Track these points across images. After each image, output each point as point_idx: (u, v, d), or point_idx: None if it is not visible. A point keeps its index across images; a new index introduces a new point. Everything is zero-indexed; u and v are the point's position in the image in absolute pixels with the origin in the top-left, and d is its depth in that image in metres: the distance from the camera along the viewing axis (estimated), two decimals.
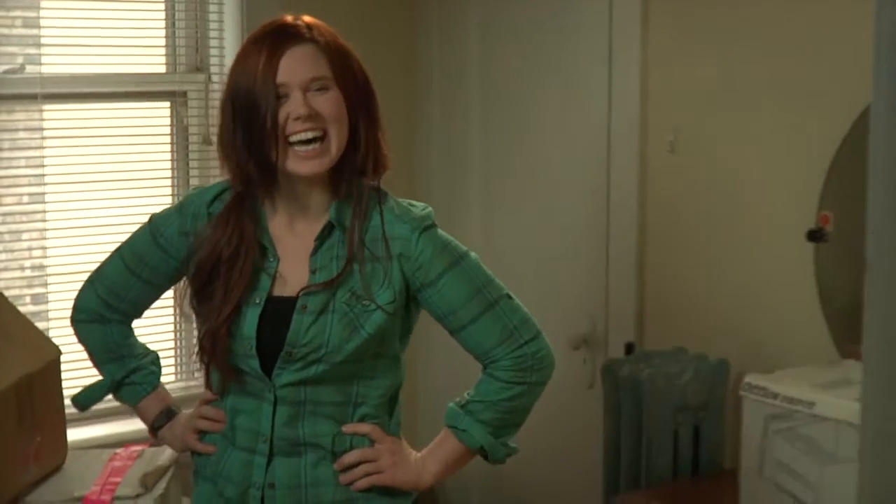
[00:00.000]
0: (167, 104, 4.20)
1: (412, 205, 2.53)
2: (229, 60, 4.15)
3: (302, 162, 2.40)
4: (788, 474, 3.18)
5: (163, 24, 4.23)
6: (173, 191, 4.25)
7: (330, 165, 2.43)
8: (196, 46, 4.23)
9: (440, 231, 2.52)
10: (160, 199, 4.14)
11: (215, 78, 4.23)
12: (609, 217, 4.09)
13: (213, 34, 4.25)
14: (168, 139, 4.24)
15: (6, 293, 3.14)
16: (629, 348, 4.01)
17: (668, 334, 3.91)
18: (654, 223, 3.99)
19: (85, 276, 4.06)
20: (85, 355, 3.97)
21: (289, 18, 2.45)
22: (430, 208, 2.54)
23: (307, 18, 2.47)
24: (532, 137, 4.38)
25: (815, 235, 3.51)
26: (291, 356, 2.43)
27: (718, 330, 3.80)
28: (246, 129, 2.39)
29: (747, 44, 3.70)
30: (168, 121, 4.22)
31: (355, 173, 2.47)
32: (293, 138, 2.39)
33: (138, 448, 2.93)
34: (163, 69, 4.24)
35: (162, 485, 2.73)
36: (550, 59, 4.28)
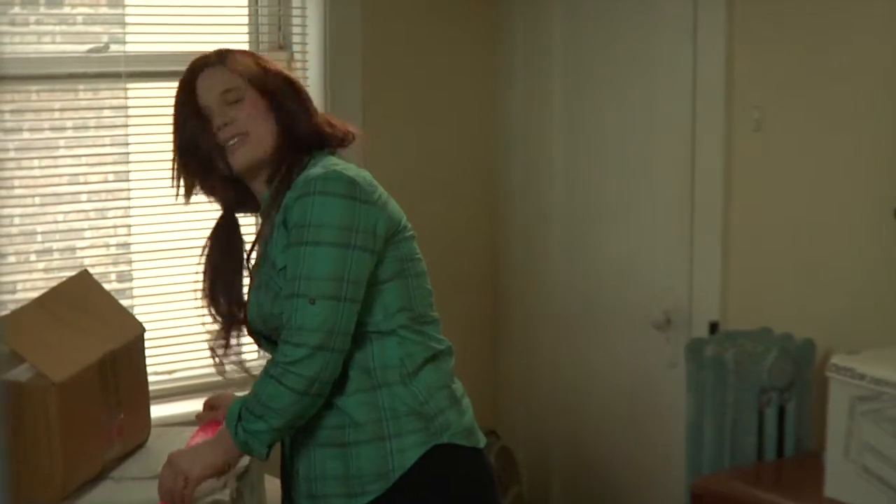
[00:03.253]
0: None
1: (326, 168, 2.56)
2: (312, 38, 4.21)
3: (232, 156, 2.66)
4: (875, 457, 3.14)
5: (245, 2, 4.25)
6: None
7: (256, 155, 2.65)
8: (279, 24, 4.24)
9: (320, 199, 2.51)
10: None
11: (297, 56, 4.24)
12: (694, 195, 4.05)
13: (295, 12, 4.26)
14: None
15: (92, 270, 3.17)
16: (713, 327, 3.97)
17: (753, 314, 3.87)
18: (739, 201, 3.94)
19: (168, 254, 4.12)
20: (164, 334, 4.05)
21: (204, 53, 2.76)
22: (336, 171, 2.55)
23: (220, 49, 2.75)
24: (616, 114, 4.35)
25: None
26: (256, 333, 2.71)
27: (804, 309, 3.75)
28: (198, 160, 2.72)
29: (833, 20, 3.65)
30: None
31: (296, 160, 2.65)
32: (225, 145, 2.66)
33: (221, 426, 2.94)
34: (246, 47, 4.24)
35: (244, 461, 2.73)
36: (635, 35, 4.25)
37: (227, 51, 2.74)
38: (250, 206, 2.78)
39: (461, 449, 2.59)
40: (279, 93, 2.68)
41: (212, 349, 2.82)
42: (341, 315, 2.47)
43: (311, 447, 2.61)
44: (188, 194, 2.78)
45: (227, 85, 2.66)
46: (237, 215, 2.81)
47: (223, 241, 2.79)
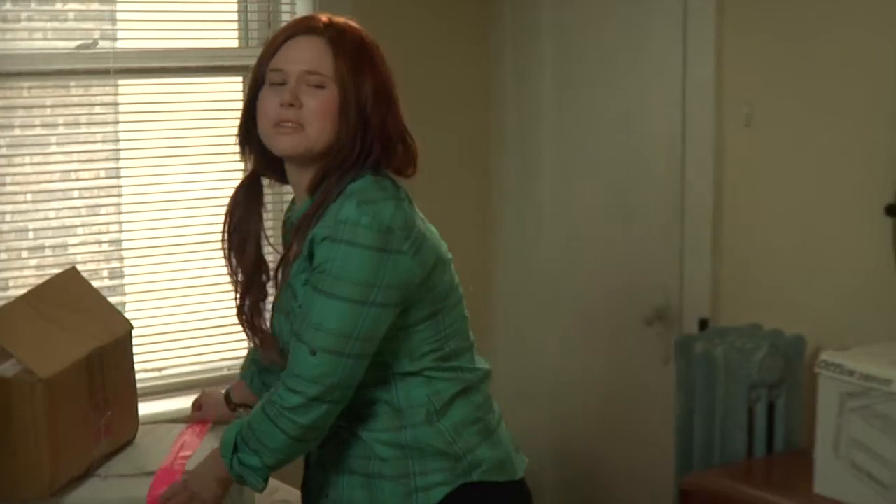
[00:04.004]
0: (239, 79, 4.20)
1: (361, 205, 2.39)
2: (301, 9, 4.17)
3: (279, 138, 2.47)
4: (865, 453, 3.14)
5: None
6: (245, 165, 4.26)
7: (306, 149, 2.46)
8: (268, 21, 4.23)
9: (348, 251, 2.35)
10: (232, 173, 4.14)
11: None
12: (684, 191, 4.06)
13: (284, 9, 4.25)
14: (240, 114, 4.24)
15: (84, 267, 3.18)
16: (703, 324, 3.97)
17: (743, 310, 3.87)
18: (730, 197, 3.95)
19: (159, 251, 4.12)
20: (155, 331, 4.04)
21: (316, 15, 2.54)
22: (369, 215, 2.37)
23: (336, 17, 2.52)
24: (606, 110, 4.35)
25: (894, 209, 3.45)
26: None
27: (794, 306, 3.76)
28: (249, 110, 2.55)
29: (823, 16, 3.65)
30: (240, 95, 4.23)
31: (343, 173, 2.46)
32: (277, 124, 2.47)
33: (209, 423, 2.94)
34: (235, 44, 4.25)
35: None
36: (625, 30, 4.25)
37: (337, 23, 2.50)
38: (278, 176, 2.62)
39: (493, 486, 2.52)
40: (364, 103, 2.46)
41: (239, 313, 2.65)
42: (342, 370, 2.37)
43: (340, 473, 2.55)
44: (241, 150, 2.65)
45: (313, 66, 2.45)
46: (264, 180, 2.66)
47: (244, 203, 2.63)
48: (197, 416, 2.97)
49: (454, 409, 2.50)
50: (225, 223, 2.63)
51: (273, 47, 2.50)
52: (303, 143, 2.45)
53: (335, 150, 2.46)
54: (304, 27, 2.49)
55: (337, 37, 2.47)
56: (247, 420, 2.47)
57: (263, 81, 2.51)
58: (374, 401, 2.49)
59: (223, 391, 2.98)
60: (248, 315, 2.62)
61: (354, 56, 2.47)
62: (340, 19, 2.52)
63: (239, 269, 2.62)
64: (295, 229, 2.49)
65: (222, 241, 2.63)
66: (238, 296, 2.63)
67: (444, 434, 2.48)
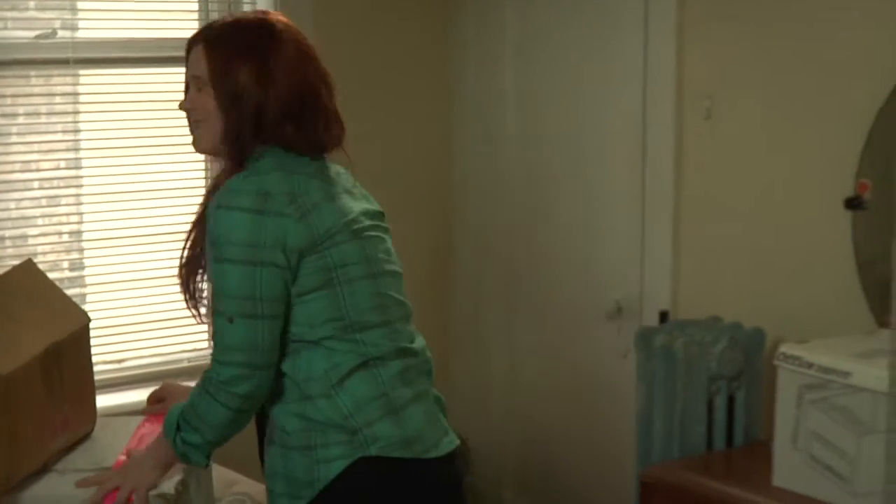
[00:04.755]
0: None
1: (247, 175, 2.52)
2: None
3: (193, 141, 2.67)
4: (823, 445, 3.15)
5: None
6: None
7: (202, 149, 2.65)
8: (229, 11, 4.21)
9: (228, 215, 2.46)
10: (194, 164, 4.13)
11: None
12: (645, 184, 4.06)
13: (246, 0, 4.24)
14: None
15: (44, 258, 3.16)
16: (664, 316, 3.98)
17: (703, 303, 3.88)
18: (690, 190, 3.95)
19: (120, 242, 4.10)
20: (115, 322, 4.03)
21: (211, 22, 2.69)
22: (249, 182, 2.50)
23: (227, 19, 2.67)
24: (567, 104, 4.35)
25: (852, 203, 3.47)
26: None
27: (754, 298, 3.77)
28: None
29: (784, 9, 3.66)
30: None
31: (239, 156, 2.57)
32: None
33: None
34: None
35: None
36: (586, 23, 4.25)
37: (217, 28, 2.63)
38: None
39: (394, 461, 2.53)
40: (240, 92, 2.55)
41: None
42: (261, 332, 2.47)
43: (268, 444, 2.62)
44: None
45: (194, 71, 2.60)
46: None
47: None
48: (156, 408, 2.97)
49: (353, 383, 2.53)
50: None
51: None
52: (200, 143, 2.64)
53: (228, 140, 2.57)
54: (191, 38, 2.66)
55: (213, 38, 2.60)
56: (188, 401, 2.54)
57: None
58: (281, 373, 2.55)
59: (186, 384, 2.99)
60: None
61: (229, 51, 2.58)
62: (229, 19, 2.67)
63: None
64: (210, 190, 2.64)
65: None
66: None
67: (342, 408, 2.52)
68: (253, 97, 2.55)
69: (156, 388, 3.06)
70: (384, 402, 2.54)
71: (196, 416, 2.51)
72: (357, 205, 2.61)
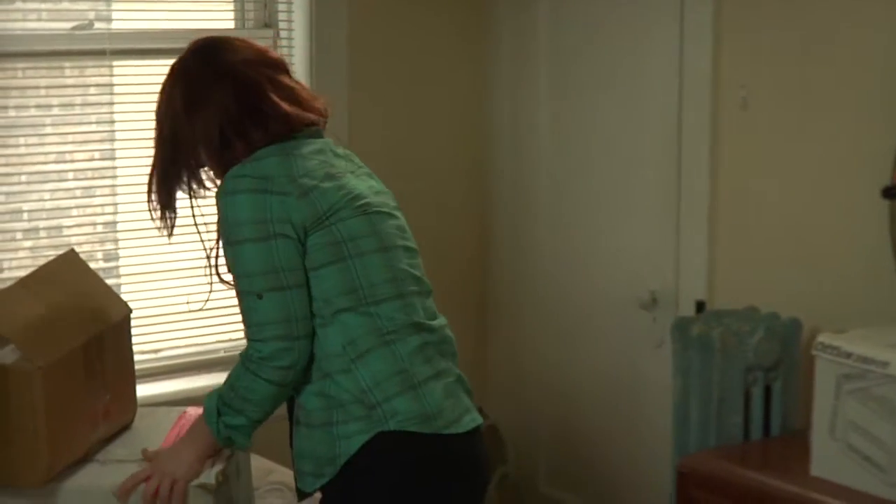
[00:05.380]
0: None
1: (245, 164, 2.58)
2: (298, 16, 4.19)
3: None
4: (861, 435, 3.14)
5: None
6: None
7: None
8: (265, 2, 4.22)
9: (231, 199, 2.55)
10: None
11: (283, 34, 4.22)
12: (680, 174, 4.05)
13: None
14: None
15: (79, 249, 3.17)
16: (700, 307, 3.97)
17: (740, 292, 3.86)
18: (726, 180, 3.94)
19: (154, 232, 4.11)
20: (150, 312, 4.04)
21: None
22: (247, 168, 2.57)
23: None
24: (602, 93, 4.33)
25: (890, 192, 3.44)
26: None
27: (791, 288, 3.75)
28: None
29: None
30: None
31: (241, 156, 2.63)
32: None
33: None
34: (231, 25, 4.23)
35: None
36: (621, 14, 4.23)
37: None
38: None
39: (413, 436, 2.55)
40: (172, 135, 2.73)
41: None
42: (291, 302, 2.52)
43: (294, 425, 2.66)
44: None
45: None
46: None
47: None
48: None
49: (372, 358, 2.56)
50: None
51: None
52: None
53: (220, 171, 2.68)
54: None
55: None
56: (224, 385, 2.58)
57: None
58: None
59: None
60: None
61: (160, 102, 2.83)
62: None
63: None
64: None
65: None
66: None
67: (361, 382, 2.54)
68: (195, 131, 2.67)
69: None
70: (403, 378, 2.56)
71: (237, 398, 2.54)
72: (361, 183, 2.65)
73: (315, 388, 2.58)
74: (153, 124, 2.78)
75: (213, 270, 2.75)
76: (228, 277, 2.66)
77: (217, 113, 2.63)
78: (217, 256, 2.73)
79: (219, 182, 2.68)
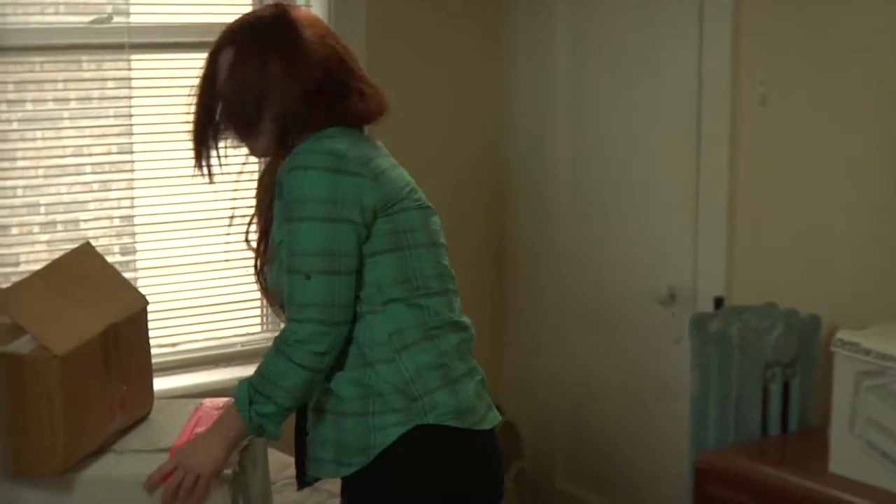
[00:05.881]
0: None
1: (315, 142, 2.53)
2: (316, 10, 4.17)
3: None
4: (880, 432, 3.13)
5: None
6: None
7: (261, 155, 2.69)
8: None
9: (303, 174, 2.49)
10: (244, 148, 4.12)
11: None
12: (699, 170, 4.04)
13: None
14: None
15: (96, 243, 3.17)
16: (718, 303, 3.96)
17: (759, 288, 3.86)
18: (745, 175, 3.93)
19: (171, 226, 4.12)
20: (167, 306, 4.05)
21: None
22: (322, 145, 2.51)
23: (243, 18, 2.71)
24: (621, 90, 4.33)
25: None
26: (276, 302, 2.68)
27: (810, 284, 3.74)
28: None
29: None
30: None
31: (299, 139, 2.57)
32: None
33: (224, 399, 2.93)
34: None
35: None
36: (640, 11, 4.23)
37: (220, 40, 2.69)
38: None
39: (450, 430, 2.55)
40: (231, 105, 2.63)
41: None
42: (338, 288, 2.48)
43: (314, 412, 2.64)
44: None
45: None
46: None
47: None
48: None
49: (416, 350, 2.55)
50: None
51: None
52: (256, 151, 2.69)
53: (279, 138, 2.61)
54: (214, 48, 2.72)
55: (238, 43, 2.69)
56: (256, 373, 2.54)
57: None
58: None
59: None
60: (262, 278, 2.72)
61: (253, 52, 2.65)
62: (248, 18, 2.71)
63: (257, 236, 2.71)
64: (265, 180, 2.66)
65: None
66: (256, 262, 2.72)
67: (404, 373, 2.53)
68: (285, 89, 2.56)
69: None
70: (444, 373, 2.56)
71: (269, 384, 2.51)
72: (409, 177, 2.65)
73: (352, 376, 2.55)
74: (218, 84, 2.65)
75: (245, 237, 2.71)
76: (253, 244, 2.67)
77: (312, 76, 2.57)
78: (250, 223, 2.70)
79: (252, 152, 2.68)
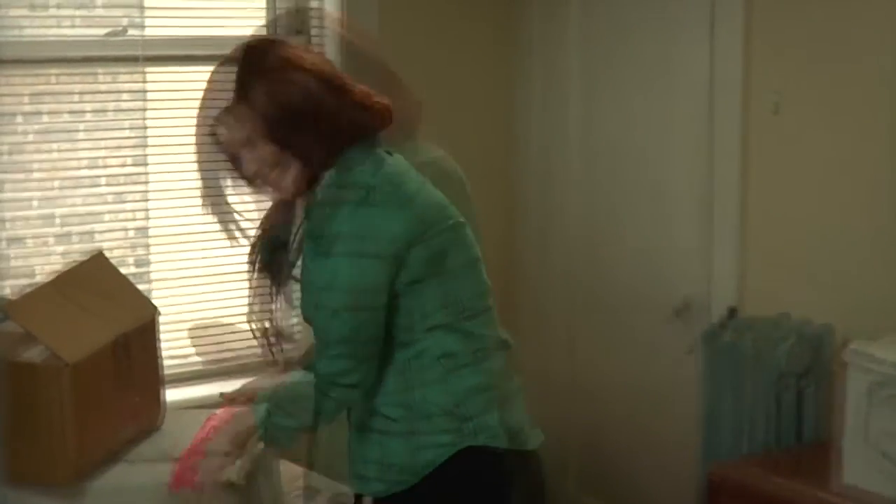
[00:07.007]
0: None
1: (345, 171, 2.49)
2: (329, 23, 4.17)
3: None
4: (895, 443, 3.11)
5: None
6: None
7: (282, 196, 2.59)
8: (296, 8, 4.23)
9: (330, 210, 2.46)
10: None
11: (315, 41, 4.22)
12: (712, 180, 4.03)
13: None
14: None
15: (110, 254, 3.18)
16: (731, 313, 3.95)
17: (771, 299, 3.84)
18: (757, 185, 3.92)
19: (185, 238, 4.13)
20: (180, 318, 4.04)
21: None
22: (351, 176, 2.47)
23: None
24: (633, 98, 4.33)
25: None
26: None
27: (822, 295, 3.73)
28: None
29: (852, 3, 3.62)
30: None
31: (330, 162, 2.52)
32: None
33: (236, 409, 2.93)
34: (263, 32, 4.23)
35: (260, 444, 2.72)
36: (653, 19, 4.23)
37: (240, 70, 2.71)
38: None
39: (499, 452, 2.55)
40: (279, 131, 2.52)
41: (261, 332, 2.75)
42: (364, 324, 2.47)
43: (357, 430, 2.62)
44: None
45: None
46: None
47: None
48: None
49: (465, 374, 2.54)
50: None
51: None
52: (288, 192, 2.58)
53: (307, 168, 2.53)
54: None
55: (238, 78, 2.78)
56: (285, 386, 2.57)
57: None
58: (387, 361, 2.54)
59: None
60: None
61: (253, 96, 2.72)
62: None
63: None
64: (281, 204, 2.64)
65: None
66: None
67: (454, 395, 2.52)
68: (296, 118, 2.51)
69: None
70: (490, 396, 2.56)
71: (294, 403, 2.53)
72: (438, 194, 2.60)
73: (398, 399, 2.54)
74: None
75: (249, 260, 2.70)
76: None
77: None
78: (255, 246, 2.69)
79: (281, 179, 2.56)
